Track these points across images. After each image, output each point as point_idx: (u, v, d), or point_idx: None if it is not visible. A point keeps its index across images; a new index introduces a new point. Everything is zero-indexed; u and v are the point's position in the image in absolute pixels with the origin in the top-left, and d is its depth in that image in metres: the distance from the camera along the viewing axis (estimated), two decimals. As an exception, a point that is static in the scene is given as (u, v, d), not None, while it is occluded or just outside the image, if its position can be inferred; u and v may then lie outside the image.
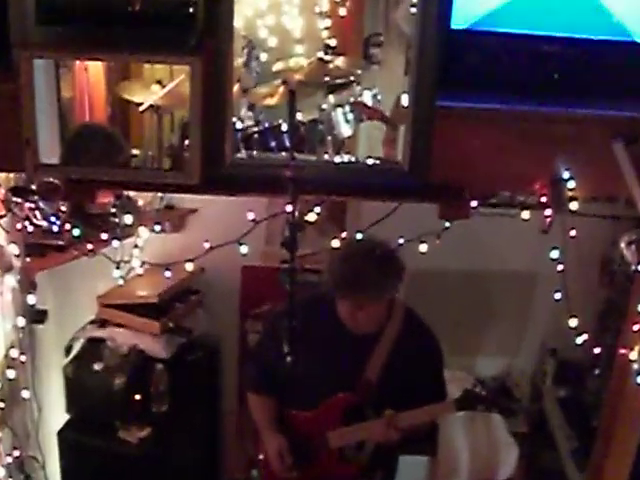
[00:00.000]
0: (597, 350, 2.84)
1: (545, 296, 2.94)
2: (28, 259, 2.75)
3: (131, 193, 2.91)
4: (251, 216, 2.39)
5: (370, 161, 2.34)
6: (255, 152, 2.37)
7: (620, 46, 2.20)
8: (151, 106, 2.29)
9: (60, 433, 3.27)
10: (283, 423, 2.68)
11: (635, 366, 2.31)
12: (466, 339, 3.19)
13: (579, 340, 2.43)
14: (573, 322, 2.38)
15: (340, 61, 2.52)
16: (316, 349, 2.44)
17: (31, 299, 2.73)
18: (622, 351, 2.44)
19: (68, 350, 3.33)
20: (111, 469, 3.16)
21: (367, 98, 2.50)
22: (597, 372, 3.55)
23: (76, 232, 2.40)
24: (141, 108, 2.30)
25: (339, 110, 2.45)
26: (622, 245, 3.17)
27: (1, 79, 1.99)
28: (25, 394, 2.86)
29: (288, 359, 2.12)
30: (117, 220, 2.81)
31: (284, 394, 2.69)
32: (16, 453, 2.83)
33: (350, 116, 2.46)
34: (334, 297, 2.41)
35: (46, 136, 2.06)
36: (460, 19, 2.18)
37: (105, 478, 3.15)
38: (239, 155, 2.27)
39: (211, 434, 3.83)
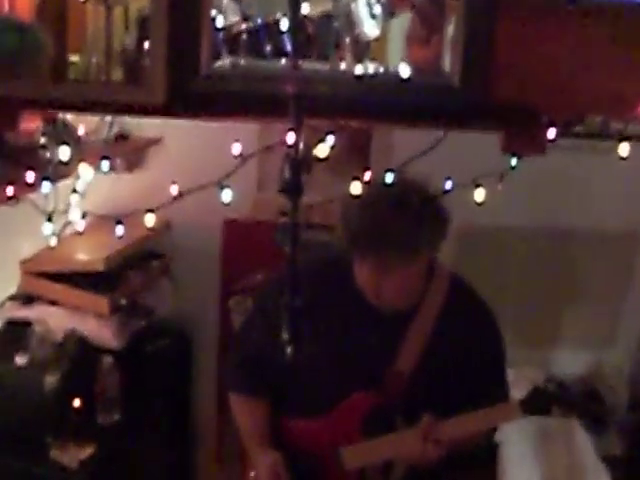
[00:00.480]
0: None
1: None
2: None
3: (68, 116, 2.97)
4: (237, 149, 2.43)
5: (405, 72, 2.35)
6: (243, 59, 2.43)
7: None
8: (96, -8, 2.21)
9: (-32, 453, 3.15)
10: (279, 436, 2.77)
11: None
12: (538, 324, 3.27)
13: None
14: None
15: None
16: (327, 334, 2.53)
17: None
18: None
19: (-21, 337, 3.25)
20: (40, 503, 3.07)
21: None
22: None
23: (-10, 171, 2.28)
24: (82, -5, 2.20)
25: (361, 0, 2.47)
26: None
27: None
28: None
29: (288, 349, 2.13)
30: (48, 154, 2.86)
31: (281, 396, 2.76)
32: None
33: (377, 8, 2.50)
34: (351, 261, 2.49)
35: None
36: None
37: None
38: (220, 63, 2.29)
39: (180, 453, 3.91)
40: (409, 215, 2.34)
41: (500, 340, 2.67)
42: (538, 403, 2.56)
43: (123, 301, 3.60)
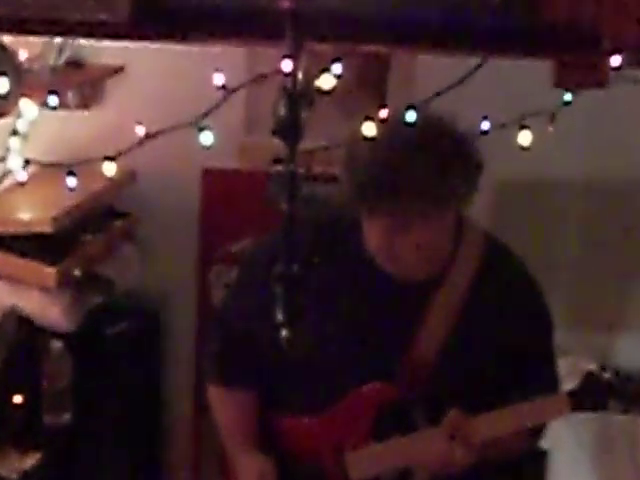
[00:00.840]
0: None
1: None
2: None
3: (6, 38, 2.90)
4: (219, 80, 2.42)
5: None
6: None
7: None
8: None
9: None
10: (269, 437, 2.81)
11: None
12: (595, 303, 3.42)
13: None
14: None
15: None
16: (330, 311, 2.59)
17: None
18: None
19: None
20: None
21: None
22: None
23: None
24: None
25: None
26: None
27: None
28: None
29: (282, 330, 2.15)
30: None
31: (272, 388, 2.80)
32: None
33: None
34: (359, 219, 2.53)
35: None
36: None
37: None
38: None
39: (147, 461, 3.96)
40: (432, 158, 2.37)
41: (547, 318, 2.71)
42: (592, 394, 2.57)
43: (76, 272, 3.58)
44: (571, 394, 2.60)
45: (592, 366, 3.96)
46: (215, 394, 2.90)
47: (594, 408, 2.63)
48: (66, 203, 3.54)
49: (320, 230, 2.70)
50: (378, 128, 2.53)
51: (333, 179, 3.01)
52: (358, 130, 2.50)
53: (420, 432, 2.64)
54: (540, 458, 3.74)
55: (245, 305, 2.81)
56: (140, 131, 2.47)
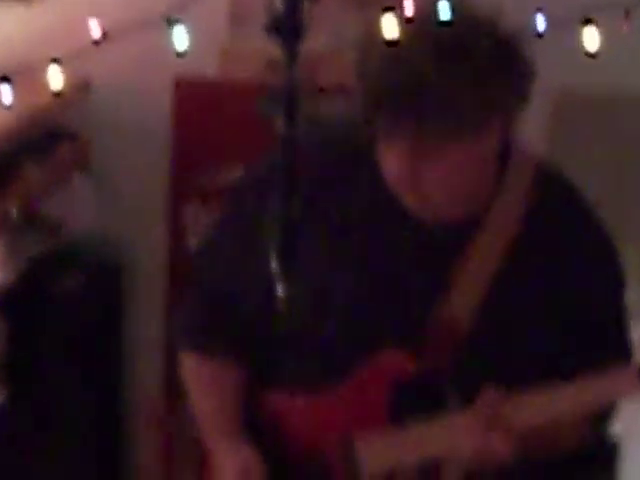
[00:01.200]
0: None
1: None
2: None
3: None
4: None
5: None
6: None
7: None
8: None
9: None
10: (258, 421, 2.84)
11: None
12: None
13: None
14: None
15: None
16: (339, 258, 2.63)
17: None
18: None
19: None
20: None
21: None
22: None
23: None
24: None
25: None
26: None
27: None
28: None
29: (278, 285, 2.21)
30: None
31: (263, 359, 2.83)
32: None
33: None
34: (376, 143, 2.51)
35: None
36: None
37: None
38: None
39: (105, 453, 4.03)
40: (469, 62, 2.34)
41: (618, 271, 2.71)
42: None
43: (12, 210, 3.57)
44: None
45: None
46: (190, 366, 2.91)
47: None
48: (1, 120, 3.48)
49: (325, 158, 2.71)
50: (400, 23, 2.46)
51: (343, 91, 3.18)
52: (375, 25, 2.43)
53: (448, 415, 2.62)
54: (608, 452, 3.68)
55: (229, 255, 2.84)
56: (95, 29, 2.48)
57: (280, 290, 2.21)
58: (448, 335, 2.67)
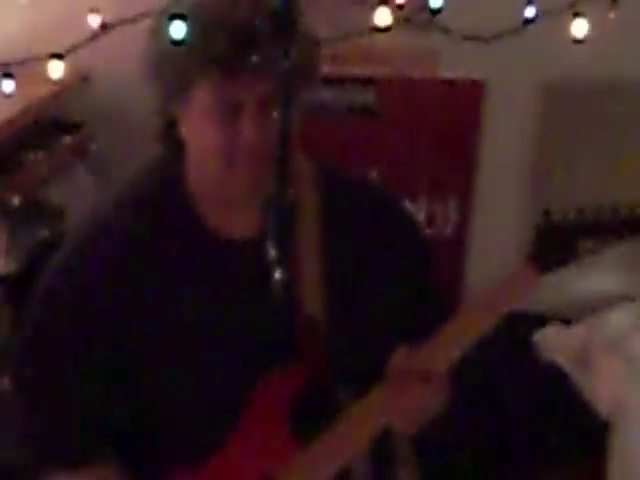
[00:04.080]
0: None
1: None
2: None
3: None
4: None
5: None
6: None
7: None
8: None
9: None
10: None
11: None
12: None
13: None
14: None
15: None
16: (185, 304, 2.02)
17: None
18: None
19: None
20: None
21: None
22: None
23: None
24: None
25: None
26: None
27: None
28: None
29: (277, 272, 1.71)
30: None
31: (147, 442, 2.10)
32: None
33: None
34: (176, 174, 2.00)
35: None
36: None
37: None
38: None
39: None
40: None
41: (424, 237, 2.32)
42: (554, 240, 1.94)
43: (15, 199, 3.02)
44: (530, 259, 1.93)
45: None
46: None
47: (563, 259, 1.92)
48: (1, 114, 3.02)
49: (139, 208, 2.01)
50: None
51: (340, 81, 3.13)
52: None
53: (358, 403, 1.99)
54: (598, 431, 3.07)
55: (82, 325, 2.03)
56: (94, 22, 2.20)
57: (277, 274, 1.66)
58: (313, 335, 2.05)
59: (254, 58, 1.83)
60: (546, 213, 2.08)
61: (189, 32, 1.95)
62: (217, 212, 2.07)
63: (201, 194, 2.10)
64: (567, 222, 2.18)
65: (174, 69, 1.91)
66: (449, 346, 2.20)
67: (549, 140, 3.07)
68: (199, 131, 2.15)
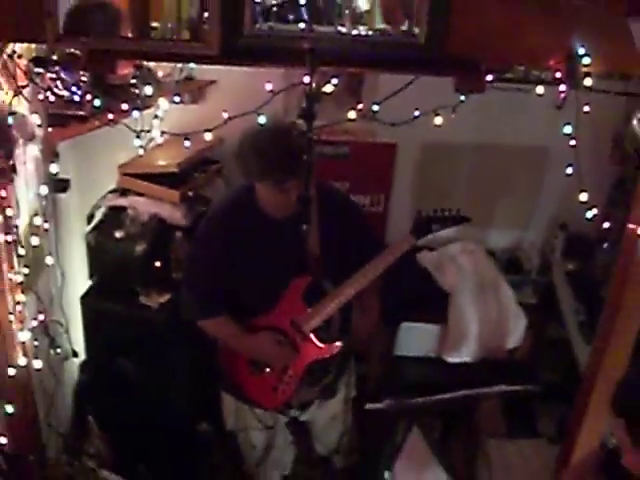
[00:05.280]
0: (606, 224, 3.34)
1: (557, 170, 3.41)
2: (50, 129, 3.10)
3: (151, 64, 3.36)
4: (269, 87, 2.66)
5: (385, 33, 2.50)
6: (273, 24, 2.48)
7: None
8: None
9: (83, 298, 3.92)
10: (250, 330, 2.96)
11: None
12: (478, 211, 3.26)
13: (589, 214, 2.70)
14: (584, 197, 2.67)
15: None
16: (255, 248, 2.71)
17: (54, 168, 3.15)
18: (631, 226, 2.74)
19: (90, 218, 3.89)
20: (132, 333, 3.72)
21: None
22: (606, 246, 4.08)
23: (97, 102, 2.66)
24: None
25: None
26: (634, 122, 3.36)
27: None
28: (49, 260, 3.29)
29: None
30: (137, 91, 3.08)
31: (239, 306, 2.89)
32: (41, 317, 3.23)
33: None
34: (252, 190, 2.72)
35: (66, 7, 2.37)
36: None
37: (126, 341, 3.71)
38: (258, 26, 2.41)
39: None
40: (295, 152, 2.46)
41: (359, 211, 3.07)
42: (423, 227, 2.76)
43: (190, 193, 3.92)
44: (412, 232, 2.75)
45: (473, 246, 4.53)
46: (207, 325, 2.93)
47: (427, 234, 2.77)
48: (184, 155, 3.84)
49: (233, 204, 2.79)
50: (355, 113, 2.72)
51: (333, 143, 3.88)
52: (348, 117, 2.67)
53: (336, 290, 2.77)
54: (444, 298, 4.10)
55: (213, 255, 2.80)
56: (225, 116, 2.60)
57: (303, 233, 2.48)
58: (314, 257, 2.73)
59: (292, 171, 2.48)
60: (419, 212, 2.80)
61: (251, 150, 2.61)
62: (270, 209, 2.69)
63: (263, 203, 2.69)
64: (427, 215, 2.77)
65: (245, 169, 2.65)
66: (375, 269, 2.68)
67: (426, 174, 3.92)
68: (262, 194, 2.66)
